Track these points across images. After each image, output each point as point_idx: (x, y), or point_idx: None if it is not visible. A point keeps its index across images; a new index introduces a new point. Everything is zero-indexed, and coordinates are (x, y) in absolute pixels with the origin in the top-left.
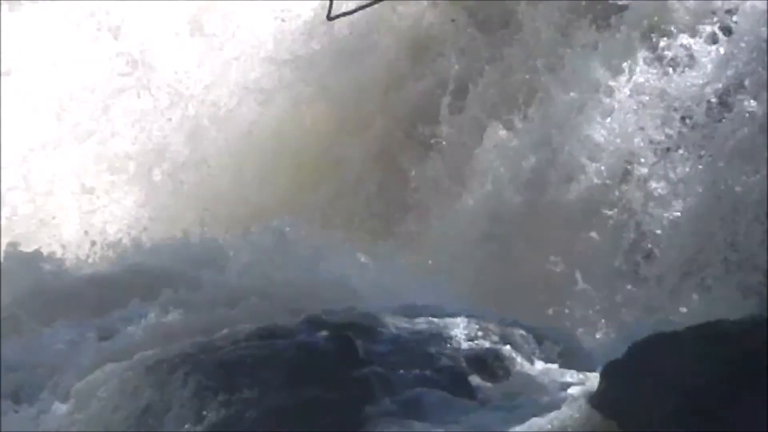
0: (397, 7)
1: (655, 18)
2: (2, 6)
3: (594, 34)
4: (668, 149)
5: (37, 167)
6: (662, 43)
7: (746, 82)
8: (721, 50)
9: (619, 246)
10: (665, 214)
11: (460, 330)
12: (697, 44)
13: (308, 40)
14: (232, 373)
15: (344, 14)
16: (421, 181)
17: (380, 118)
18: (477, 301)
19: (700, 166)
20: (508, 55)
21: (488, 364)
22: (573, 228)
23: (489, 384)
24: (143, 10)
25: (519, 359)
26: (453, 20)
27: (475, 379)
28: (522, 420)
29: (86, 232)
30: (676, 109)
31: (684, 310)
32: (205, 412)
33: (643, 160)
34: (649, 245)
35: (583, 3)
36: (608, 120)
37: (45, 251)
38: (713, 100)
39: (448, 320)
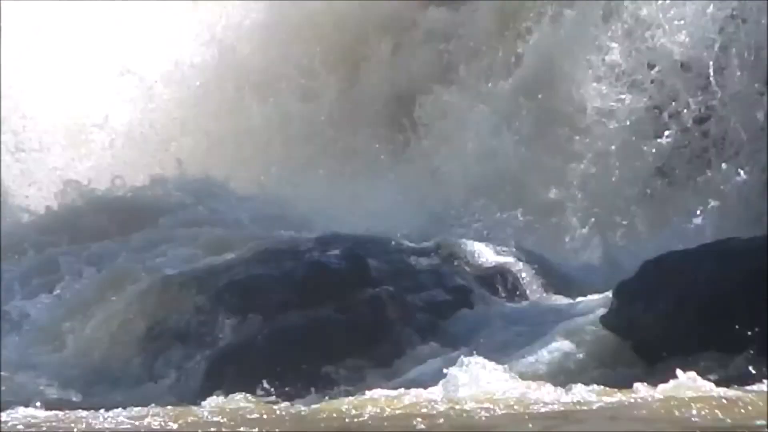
0: None
1: None
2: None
3: None
4: None
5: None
6: None
7: None
8: None
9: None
10: None
11: (472, 252)
12: None
13: None
14: (242, 293)
15: None
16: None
17: None
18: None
19: None
20: None
21: (501, 285)
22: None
23: (502, 305)
24: None
25: (531, 281)
26: None
27: (487, 300)
28: (535, 339)
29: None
30: None
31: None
32: (216, 333)
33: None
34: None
35: None
36: None
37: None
38: None
39: (460, 242)
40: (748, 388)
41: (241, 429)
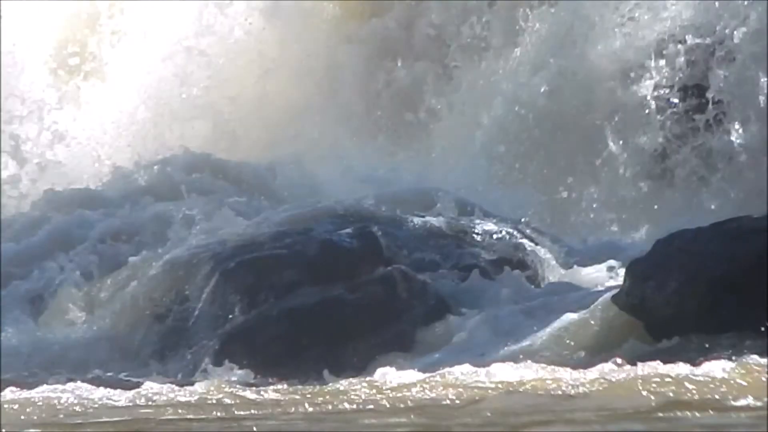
0: None
1: None
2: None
3: None
4: None
5: None
6: None
7: None
8: None
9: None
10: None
11: (485, 229)
12: None
13: None
14: (254, 272)
15: None
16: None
17: None
18: (503, 202)
19: None
20: None
21: (513, 263)
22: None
23: (514, 283)
24: None
25: (544, 258)
26: None
27: (499, 278)
28: (547, 317)
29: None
30: None
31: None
32: (227, 312)
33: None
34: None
35: None
36: None
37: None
38: None
39: (473, 219)
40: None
41: (252, 411)
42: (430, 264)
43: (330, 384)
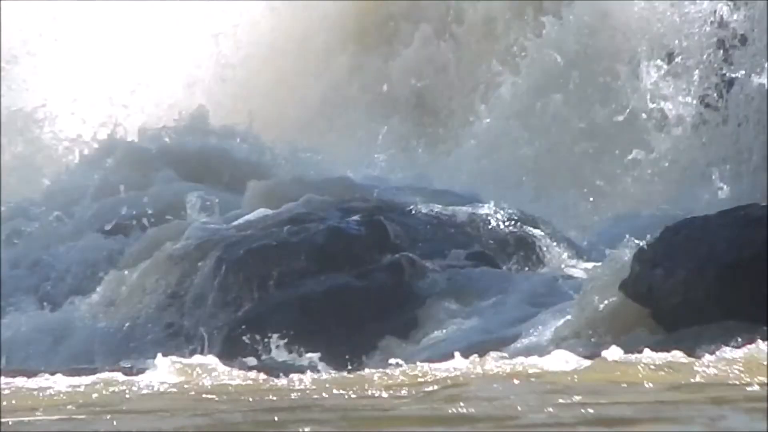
0: None
1: None
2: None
3: None
4: None
5: None
6: None
7: None
8: None
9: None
10: None
11: (491, 217)
12: None
13: None
14: (262, 259)
15: None
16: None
17: None
18: (507, 189)
19: None
20: None
21: (519, 251)
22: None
23: (520, 271)
24: None
25: (549, 248)
26: None
27: (506, 266)
28: (553, 306)
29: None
30: None
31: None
32: (236, 299)
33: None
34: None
35: None
36: None
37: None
38: None
39: (479, 207)
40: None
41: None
42: (437, 251)
43: (338, 371)
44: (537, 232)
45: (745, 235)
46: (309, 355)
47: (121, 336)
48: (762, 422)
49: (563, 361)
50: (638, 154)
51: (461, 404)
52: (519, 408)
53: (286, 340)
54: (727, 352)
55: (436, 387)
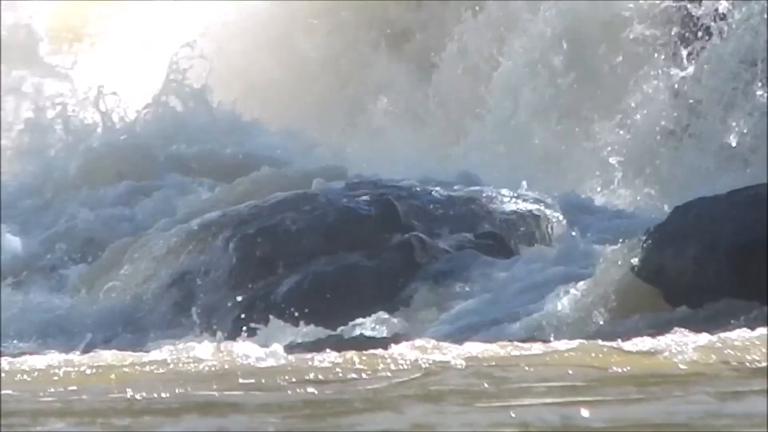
0: None
1: None
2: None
3: None
4: None
5: None
6: None
7: None
8: None
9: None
10: None
11: (500, 196)
12: None
13: None
14: (272, 239)
15: None
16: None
17: None
18: (516, 170)
19: None
20: None
21: (531, 231)
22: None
23: (530, 250)
24: None
25: (560, 228)
26: None
27: (516, 246)
28: (562, 286)
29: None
30: None
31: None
32: (246, 279)
33: None
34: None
35: None
36: None
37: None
38: None
39: (488, 188)
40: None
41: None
42: (446, 231)
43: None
44: (548, 211)
45: (756, 214)
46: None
47: (127, 314)
48: None
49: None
50: None
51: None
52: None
53: (296, 320)
54: (740, 332)
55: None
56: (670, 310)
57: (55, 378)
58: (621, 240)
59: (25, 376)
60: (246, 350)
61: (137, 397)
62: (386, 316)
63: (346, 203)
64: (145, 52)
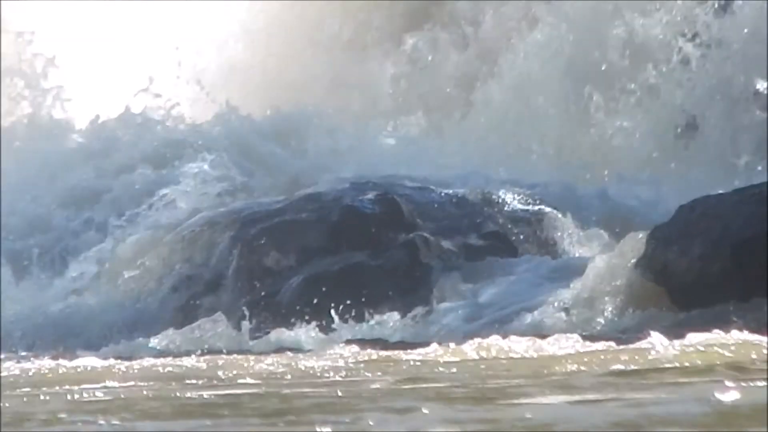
0: None
1: None
2: None
3: None
4: None
5: None
6: None
7: None
8: None
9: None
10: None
11: (506, 198)
12: None
13: None
14: (277, 238)
15: None
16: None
17: None
18: (521, 169)
19: None
20: None
21: (535, 230)
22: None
23: (535, 250)
24: None
25: (565, 226)
26: None
27: (521, 245)
28: (567, 285)
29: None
30: None
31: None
32: (251, 278)
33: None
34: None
35: None
36: None
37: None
38: None
39: (492, 187)
40: None
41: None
42: (451, 231)
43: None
44: (553, 211)
45: (760, 212)
46: (322, 333)
47: (133, 314)
48: None
49: (574, 340)
50: None
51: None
52: None
53: (301, 319)
54: (743, 332)
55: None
56: (675, 309)
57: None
58: (626, 237)
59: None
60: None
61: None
62: (395, 315)
63: (350, 202)
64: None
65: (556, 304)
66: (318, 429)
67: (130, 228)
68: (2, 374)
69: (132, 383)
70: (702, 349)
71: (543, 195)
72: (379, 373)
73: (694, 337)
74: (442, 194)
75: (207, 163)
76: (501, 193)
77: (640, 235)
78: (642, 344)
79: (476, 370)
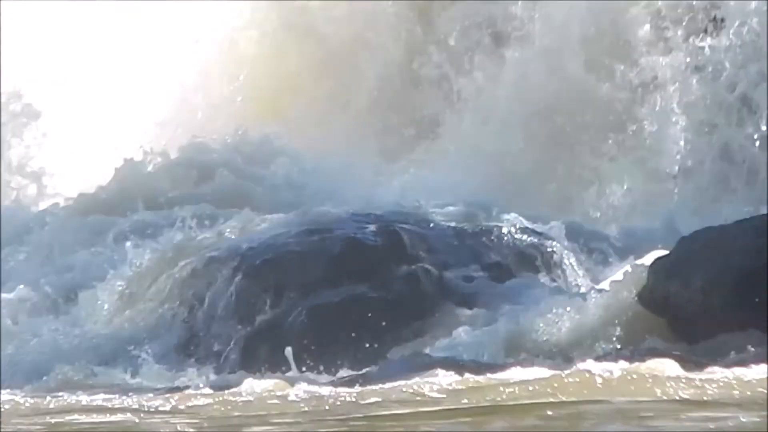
0: None
1: None
2: None
3: None
4: None
5: None
6: None
7: None
8: None
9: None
10: None
11: (509, 228)
12: None
13: None
14: (278, 270)
15: None
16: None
17: None
18: (522, 201)
19: None
20: None
21: (538, 261)
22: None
23: (538, 280)
24: None
25: (568, 256)
26: None
27: (524, 276)
28: (571, 315)
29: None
30: None
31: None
32: (253, 310)
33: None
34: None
35: None
36: None
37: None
38: None
39: (494, 218)
40: None
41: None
42: (453, 262)
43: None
44: (555, 243)
45: (762, 243)
46: (323, 366)
47: (137, 345)
48: None
49: (580, 371)
50: None
51: None
52: None
53: (302, 352)
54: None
55: None
56: (675, 340)
57: None
58: (627, 268)
59: None
60: None
61: None
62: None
63: (351, 234)
64: None
65: (552, 338)
66: None
67: None
68: None
69: None
70: (703, 380)
71: (544, 226)
72: None
73: (694, 369)
74: (446, 224)
75: None
76: (505, 223)
77: (642, 266)
78: (644, 373)
79: None
